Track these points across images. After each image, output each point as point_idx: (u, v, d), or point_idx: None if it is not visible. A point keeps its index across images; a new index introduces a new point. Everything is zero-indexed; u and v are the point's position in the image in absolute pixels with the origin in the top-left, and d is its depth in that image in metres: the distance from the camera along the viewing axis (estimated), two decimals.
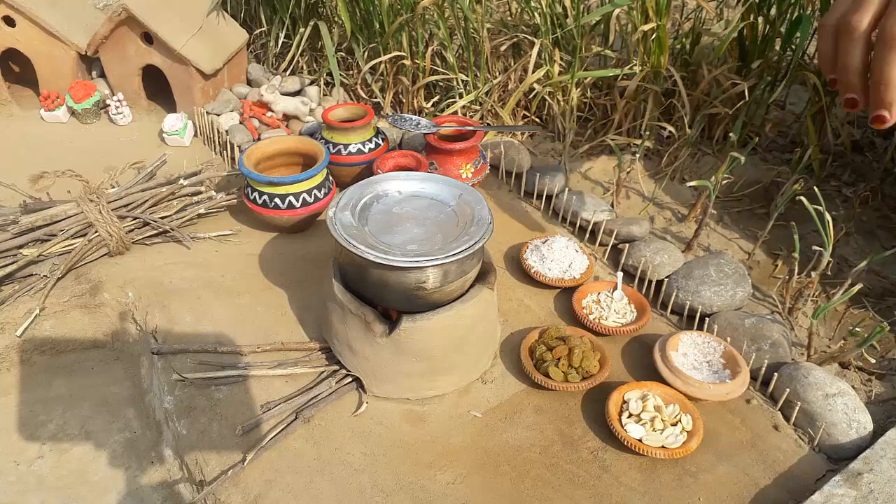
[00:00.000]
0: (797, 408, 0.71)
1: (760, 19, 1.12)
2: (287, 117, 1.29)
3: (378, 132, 1.09)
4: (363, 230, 0.71)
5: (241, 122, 1.27)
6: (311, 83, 1.43)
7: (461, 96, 1.27)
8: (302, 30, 1.44)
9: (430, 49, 1.28)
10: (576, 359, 0.74)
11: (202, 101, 1.29)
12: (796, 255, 0.83)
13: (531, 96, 1.26)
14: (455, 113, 1.25)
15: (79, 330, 0.83)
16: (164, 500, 0.66)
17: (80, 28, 1.30)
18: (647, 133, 1.09)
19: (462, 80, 1.29)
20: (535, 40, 1.20)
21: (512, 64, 1.30)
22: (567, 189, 1.06)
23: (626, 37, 1.22)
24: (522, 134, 1.27)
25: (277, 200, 0.93)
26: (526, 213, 1.07)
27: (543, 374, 0.74)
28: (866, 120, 1.22)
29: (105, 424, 0.73)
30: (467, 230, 0.71)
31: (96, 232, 0.91)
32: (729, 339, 0.79)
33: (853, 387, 0.74)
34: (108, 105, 1.32)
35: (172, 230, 0.96)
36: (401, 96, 1.38)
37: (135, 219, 0.96)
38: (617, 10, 1.13)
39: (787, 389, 0.72)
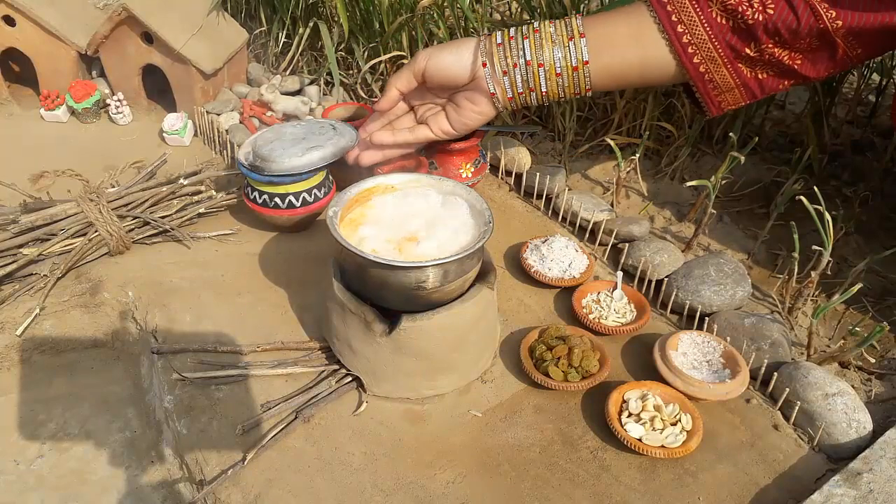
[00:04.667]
0: (797, 407, 0.71)
1: None
2: (287, 117, 1.29)
3: None
4: None
5: (241, 122, 1.27)
6: (311, 83, 1.43)
7: None
8: (302, 29, 1.44)
9: None
10: (575, 358, 0.74)
11: (202, 100, 1.29)
12: (796, 254, 0.83)
13: None
14: None
15: (79, 329, 0.83)
16: (163, 500, 0.66)
17: (80, 27, 1.30)
18: (647, 133, 1.09)
19: None
20: None
21: None
22: (567, 189, 1.06)
23: None
24: (522, 134, 1.27)
25: (277, 200, 0.93)
26: (526, 212, 1.07)
27: (543, 373, 0.74)
28: (866, 120, 1.22)
29: (105, 424, 0.73)
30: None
31: (96, 231, 0.91)
32: (728, 338, 0.79)
33: (853, 386, 0.74)
34: (108, 104, 1.32)
35: (172, 229, 0.96)
36: None
37: (135, 218, 0.96)
38: None
39: (787, 389, 0.72)
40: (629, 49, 0.76)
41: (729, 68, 0.74)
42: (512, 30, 0.79)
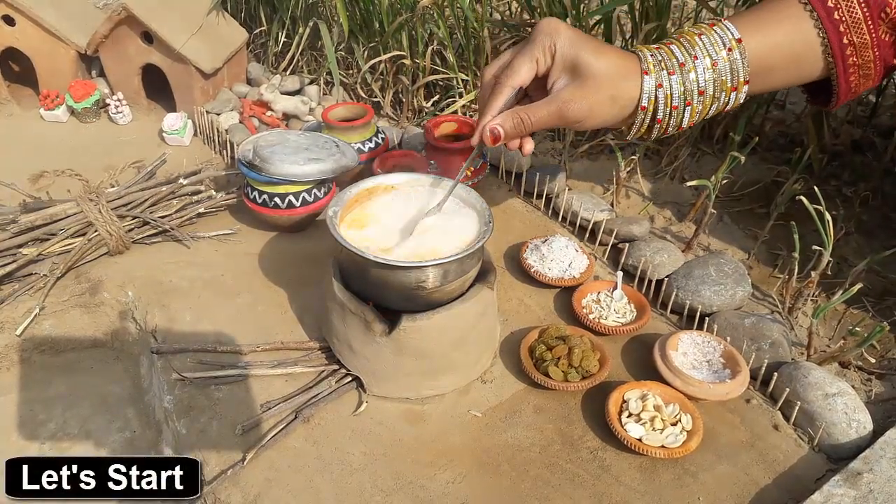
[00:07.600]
0: (797, 407, 0.71)
1: None
2: (287, 116, 1.29)
3: (378, 131, 1.09)
4: None
5: (240, 122, 1.27)
6: (311, 82, 1.43)
7: (461, 96, 1.27)
8: (301, 29, 1.45)
9: (429, 48, 1.28)
10: (575, 358, 0.74)
11: (202, 100, 1.29)
12: (796, 254, 0.83)
13: None
14: (455, 112, 1.25)
15: (78, 329, 0.83)
16: (163, 500, 0.66)
17: (79, 27, 1.30)
18: None
19: (462, 80, 1.29)
20: None
21: None
22: (567, 189, 1.06)
23: (627, 36, 1.22)
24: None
25: (277, 200, 0.93)
26: (526, 212, 1.07)
27: (543, 373, 0.74)
28: (867, 120, 1.22)
29: (105, 424, 0.73)
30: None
31: (96, 231, 0.91)
32: (729, 338, 0.79)
33: (853, 386, 0.74)
34: (108, 104, 1.32)
35: (172, 229, 0.96)
36: (400, 96, 1.38)
37: (134, 218, 0.96)
38: (618, 10, 1.13)
39: (787, 389, 0.72)
40: (788, 73, 0.71)
41: (874, 81, 0.71)
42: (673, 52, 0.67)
